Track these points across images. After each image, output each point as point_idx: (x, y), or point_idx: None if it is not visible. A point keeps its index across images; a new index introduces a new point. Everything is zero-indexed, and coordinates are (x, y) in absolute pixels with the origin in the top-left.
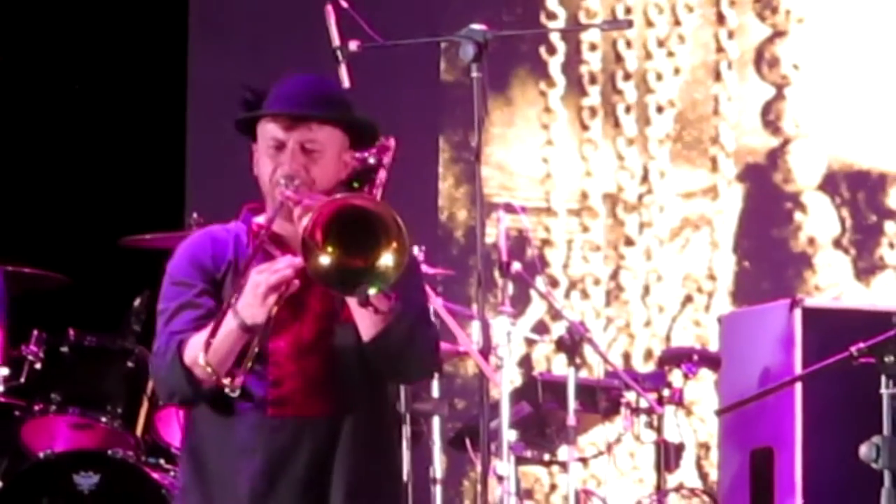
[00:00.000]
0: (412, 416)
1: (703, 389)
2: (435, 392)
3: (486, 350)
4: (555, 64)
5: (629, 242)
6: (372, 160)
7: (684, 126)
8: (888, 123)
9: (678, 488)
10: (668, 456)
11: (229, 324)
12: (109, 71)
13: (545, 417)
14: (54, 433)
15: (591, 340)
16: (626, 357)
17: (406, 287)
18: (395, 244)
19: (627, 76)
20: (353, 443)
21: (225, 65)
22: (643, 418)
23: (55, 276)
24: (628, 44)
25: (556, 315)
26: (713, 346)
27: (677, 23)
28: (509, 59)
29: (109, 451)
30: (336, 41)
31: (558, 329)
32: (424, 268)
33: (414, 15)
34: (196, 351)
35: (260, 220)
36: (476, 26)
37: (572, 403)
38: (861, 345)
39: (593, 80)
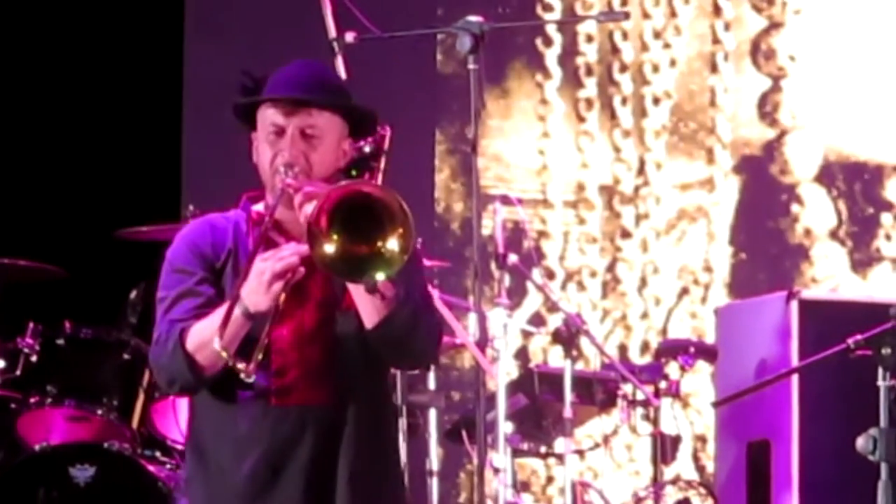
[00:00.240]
0: (408, 408)
1: (699, 381)
2: (431, 384)
3: (482, 342)
4: (551, 56)
5: (625, 234)
6: (368, 149)
7: (681, 118)
8: (885, 115)
9: (675, 480)
10: (664, 448)
11: (233, 311)
12: (105, 62)
13: (542, 409)
14: (50, 425)
15: (588, 332)
16: (623, 349)
17: (409, 273)
18: (400, 230)
19: (624, 68)
20: (355, 431)
21: (221, 56)
22: (640, 410)
23: (51, 269)
24: (625, 35)
25: (552, 307)
26: (710, 339)
27: (673, 14)
28: (506, 50)
29: (105, 444)
30: (332, 32)
31: (555, 321)
32: None
33: (410, 6)
34: (206, 338)
35: (259, 207)
36: (472, 18)
37: (569, 395)
38: (858, 337)
39: (590, 71)
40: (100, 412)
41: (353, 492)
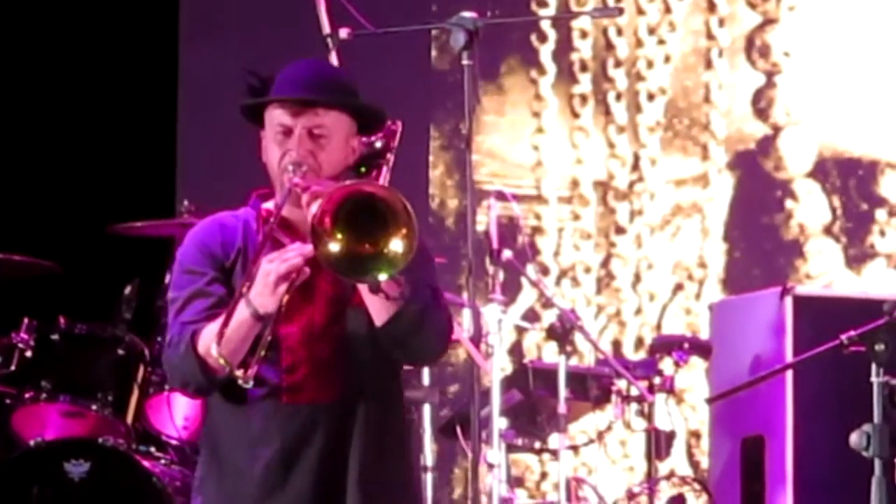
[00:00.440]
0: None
1: (693, 377)
2: (426, 380)
3: (476, 338)
4: (545, 52)
5: (620, 230)
6: (379, 144)
7: (675, 114)
8: (879, 111)
9: (669, 476)
10: (658, 444)
11: (242, 313)
12: (100, 59)
13: (536, 405)
14: (45, 421)
15: (582, 328)
16: (617, 345)
17: (416, 270)
18: (404, 230)
19: (618, 64)
20: (366, 427)
21: (215, 52)
22: (634, 406)
23: (46, 264)
24: (619, 31)
25: (546, 303)
26: (704, 334)
27: (668, 10)
28: (500, 46)
29: (100, 439)
30: (326, 28)
31: (549, 317)
32: None
33: (405, 2)
34: (209, 342)
35: (269, 206)
36: (467, 14)
37: (563, 391)
38: (852, 333)
39: (584, 67)
40: (94, 408)
41: (363, 489)
